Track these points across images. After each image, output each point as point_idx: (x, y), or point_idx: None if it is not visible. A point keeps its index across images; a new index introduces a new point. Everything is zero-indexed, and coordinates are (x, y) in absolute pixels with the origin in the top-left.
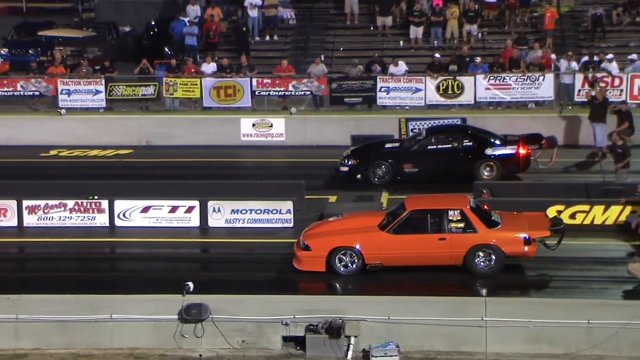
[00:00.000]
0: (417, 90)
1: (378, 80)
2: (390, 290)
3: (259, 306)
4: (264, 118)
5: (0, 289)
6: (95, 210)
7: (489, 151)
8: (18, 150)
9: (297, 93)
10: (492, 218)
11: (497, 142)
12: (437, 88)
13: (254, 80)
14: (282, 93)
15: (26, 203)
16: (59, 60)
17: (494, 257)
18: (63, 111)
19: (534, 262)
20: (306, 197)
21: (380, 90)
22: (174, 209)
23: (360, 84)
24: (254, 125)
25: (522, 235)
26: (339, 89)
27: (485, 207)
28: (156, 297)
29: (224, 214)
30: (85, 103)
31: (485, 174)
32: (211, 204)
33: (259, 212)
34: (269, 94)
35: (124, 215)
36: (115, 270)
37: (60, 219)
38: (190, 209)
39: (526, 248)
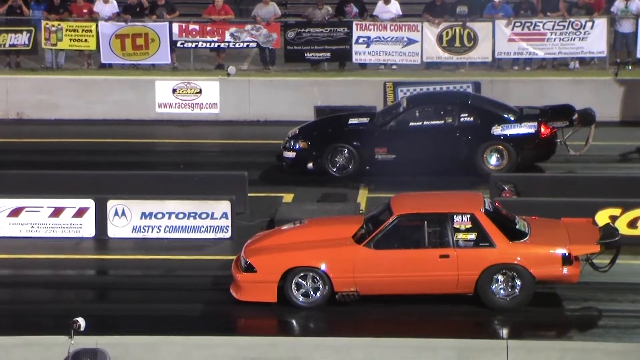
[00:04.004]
0: (411, 41)
1: (354, 27)
2: (371, 329)
3: (180, 352)
4: (189, 81)
5: None
6: None
7: (497, 130)
8: None
9: (237, 45)
10: (517, 227)
11: (510, 117)
12: (439, 39)
13: (175, 26)
14: (216, 45)
15: None
16: None
17: (518, 282)
18: None
19: (576, 289)
20: (250, 195)
21: (357, 42)
22: (57, 212)
23: (328, 33)
24: (174, 90)
25: (560, 251)
26: (298, 39)
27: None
28: (30, 340)
29: (131, 219)
30: None
31: (493, 162)
32: (112, 204)
33: (181, 216)
34: (196, 45)
35: None
36: None
37: None
38: (81, 212)
39: (565, 270)
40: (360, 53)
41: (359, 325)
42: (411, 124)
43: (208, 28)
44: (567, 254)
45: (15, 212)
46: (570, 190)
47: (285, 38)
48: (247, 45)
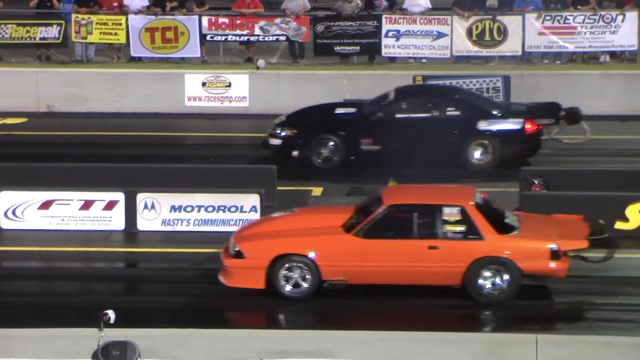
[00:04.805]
0: (440, 35)
1: (384, 20)
2: (398, 322)
3: (208, 345)
4: (218, 74)
5: None
6: None
7: (482, 125)
8: None
9: (266, 38)
10: (506, 220)
11: (496, 112)
12: (469, 33)
13: (204, 20)
14: (246, 38)
15: None
16: None
17: (506, 275)
18: None
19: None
20: (279, 188)
21: (386, 36)
22: (87, 205)
23: (357, 26)
24: (204, 84)
25: (548, 245)
26: (328, 33)
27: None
28: (59, 333)
29: (160, 212)
30: None
31: (477, 156)
32: (142, 197)
33: (210, 209)
34: (225, 39)
35: (13, 213)
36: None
37: None
38: (111, 205)
39: (553, 264)
40: (389, 46)
41: (386, 318)
42: (397, 115)
43: (237, 21)
44: (555, 249)
45: (46, 205)
46: (601, 184)
47: (315, 31)
48: (277, 39)
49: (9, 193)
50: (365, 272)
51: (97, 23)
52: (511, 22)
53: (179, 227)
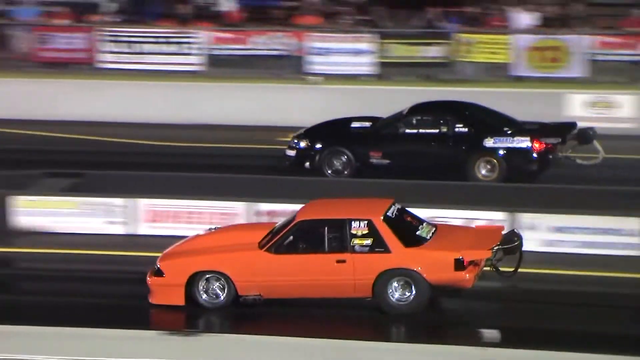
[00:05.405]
0: None
1: None
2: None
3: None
4: (602, 94)
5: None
6: None
7: (489, 142)
8: (253, 131)
9: None
10: (418, 232)
11: (506, 130)
12: None
13: (591, 39)
14: (633, 58)
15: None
16: (310, 7)
17: (413, 287)
18: (316, 78)
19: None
20: None
21: None
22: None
23: None
24: (589, 104)
25: (452, 255)
26: None
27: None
28: (429, 349)
29: (541, 232)
30: (344, 68)
31: (483, 172)
32: (523, 218)
33: (592, 231)
34: (612, 58)
35: None
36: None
37: None
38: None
39: (458, 274)
40: None
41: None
42: (407, 131)
43: (625, 40)
44: (460, 259)
45: None
46: None
47: None
48: None
49: None
50: (278, 286)
51: (481, 42)
52: None
53: (559, 249)
